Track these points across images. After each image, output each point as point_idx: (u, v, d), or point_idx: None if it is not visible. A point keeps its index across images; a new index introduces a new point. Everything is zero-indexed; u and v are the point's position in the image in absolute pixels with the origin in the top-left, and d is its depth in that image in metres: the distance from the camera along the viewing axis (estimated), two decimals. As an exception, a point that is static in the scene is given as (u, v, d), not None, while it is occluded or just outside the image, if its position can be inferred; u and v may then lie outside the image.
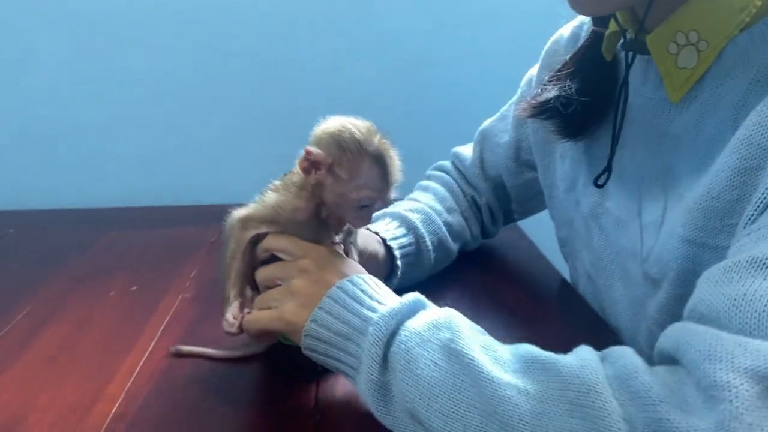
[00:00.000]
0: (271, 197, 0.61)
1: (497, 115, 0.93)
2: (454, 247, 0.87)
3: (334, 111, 1.22)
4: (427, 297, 0.56)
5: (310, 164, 0.57)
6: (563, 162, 0.78)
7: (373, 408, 0.52)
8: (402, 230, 0.81)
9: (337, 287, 0.56)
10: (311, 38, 1.23)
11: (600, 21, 0.69)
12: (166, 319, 0.73)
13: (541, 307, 0.81)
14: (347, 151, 0.57)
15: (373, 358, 0.51)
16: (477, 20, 1.25)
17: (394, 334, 0.52)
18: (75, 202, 1.18)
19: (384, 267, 0.76)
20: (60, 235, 1.04)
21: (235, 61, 1.21)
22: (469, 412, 0.46)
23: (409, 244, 0.80)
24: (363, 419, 0.54)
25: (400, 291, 0.58)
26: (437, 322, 0.52)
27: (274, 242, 0.61)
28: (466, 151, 0.94)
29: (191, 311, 0.76)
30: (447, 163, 0.96)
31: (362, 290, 0.56)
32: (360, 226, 0.63)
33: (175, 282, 0.84)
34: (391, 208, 0.84)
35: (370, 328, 0.52)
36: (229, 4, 1.19)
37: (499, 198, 0.92)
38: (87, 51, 1.18)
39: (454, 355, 0.49)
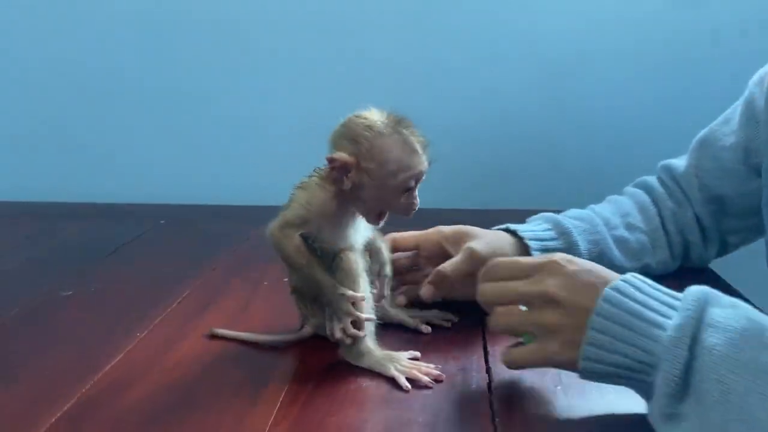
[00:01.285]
0: (300, 196, 0.61)
1: (719, 119, 0.84)
2: (625, 263, 0.79)
3: (471, 118, 1.17)
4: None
5: (338, 171, 0.58)
6: None
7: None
8: (550, 233, 0.76)
9: (597, 315, 0.49)
10: (447, 38, 1.18)
11: None
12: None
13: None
14: (364, 142, 0.57)
15: (665, 393, 0.46)
16: (632, 19, 1.16)
17: (690, 361, 0.46)
18: (220, 199, 1.22)
19: None
20: (207, 227, 1.10)
21: (368, 65, 1.19)
22: None
23: (556, 249, 0.74)
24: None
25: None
26: (745, 335, 0.45)
27: (498, 277, 0.57)
28: (678, 162, 0.86)
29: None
30: (651, 179, 0.88)
31: (626, 310, 0.49)
32: (410, 212, 0.60)
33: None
34: (551, 214, 0.79)
35: (662, 364, 0.47)
36: (363, 4, 1.18)
37: (713, 213, 0.83)
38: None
39: None
